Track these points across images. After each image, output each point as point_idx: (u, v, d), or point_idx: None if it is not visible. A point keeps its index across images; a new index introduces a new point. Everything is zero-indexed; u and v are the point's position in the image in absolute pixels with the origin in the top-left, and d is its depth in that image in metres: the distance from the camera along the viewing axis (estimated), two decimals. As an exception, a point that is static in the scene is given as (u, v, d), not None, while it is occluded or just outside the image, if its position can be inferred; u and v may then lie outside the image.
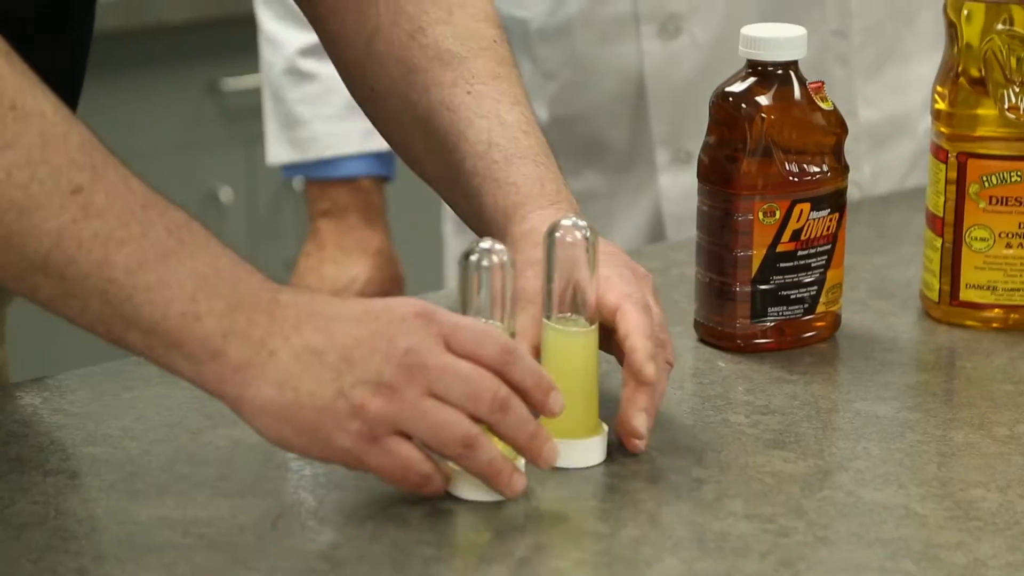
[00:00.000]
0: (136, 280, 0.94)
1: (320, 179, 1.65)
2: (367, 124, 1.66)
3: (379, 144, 1.63)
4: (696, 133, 1.23)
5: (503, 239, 1.08)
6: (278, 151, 1.67)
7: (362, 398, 0.95)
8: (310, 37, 1.63)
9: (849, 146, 1.24)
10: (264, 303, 0.96)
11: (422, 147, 1.19)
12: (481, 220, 1.14)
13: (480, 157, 1.13)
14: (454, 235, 1.74)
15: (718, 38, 1.52)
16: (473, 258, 1.00)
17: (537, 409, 1.00)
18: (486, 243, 1.01)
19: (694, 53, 1.54)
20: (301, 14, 1.65)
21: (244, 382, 0.95)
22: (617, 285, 1.07)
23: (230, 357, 0.95)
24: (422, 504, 1.02)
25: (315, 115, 1.63)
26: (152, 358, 0.97)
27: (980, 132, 1.26)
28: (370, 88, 1.21)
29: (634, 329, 1.05)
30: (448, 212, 1.75)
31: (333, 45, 1.23)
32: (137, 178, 0.97)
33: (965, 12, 1.25)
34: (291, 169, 1.68)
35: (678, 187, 1.58)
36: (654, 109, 1.56)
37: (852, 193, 1.25)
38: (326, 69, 1.63)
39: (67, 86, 1.11)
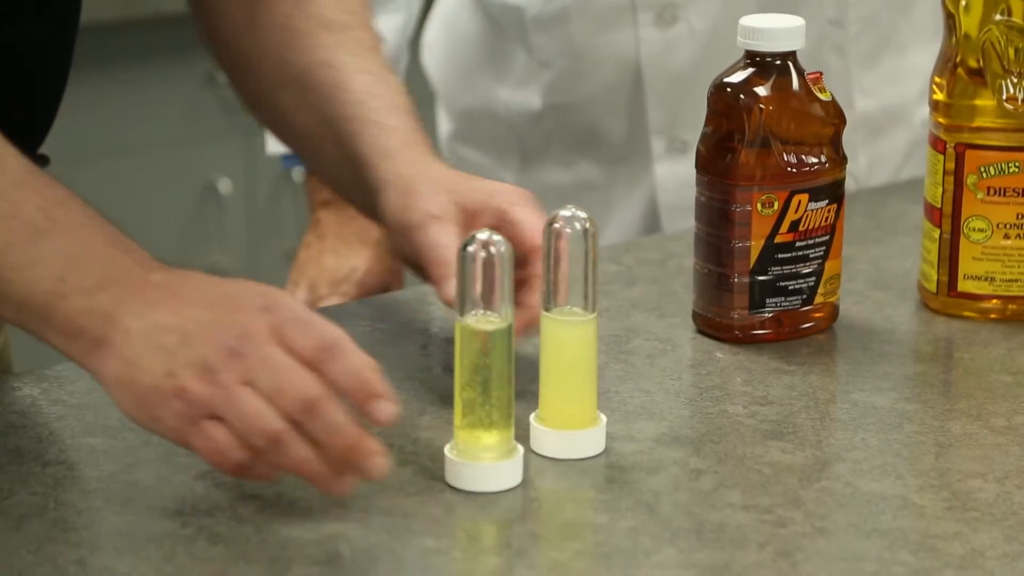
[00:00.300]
0: (4, 260, 0.98)
1: None
2: None
3: None
4: (692, 122, 1.23)
5: (376, 175, 1.11)
6: (275, 142, 1.67)
7: (186, 380, 0.96)
8: None
9: (845, 136, 1.24)
10: (133, 282, 0.99)
11: (293, 103, 1.21)
12: (351, 163, 1.16)
13: (359, 104, 1.17)
14: None
15: (715, 26, 1.52)
16: (470, 249, 1.00)
17: (362, 414, 0.97)
18: (483, 234, 1.01)
19: (691, 41, 1.54)
20: None
21: (101, 358, 0.98)
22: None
23: (91, 334, 0.98)
24: (421, 495, 1.02)
25: None
26: (27, 331, 1.01)
27: (978, 123, 1.26)
28: (246, 56, 1.24)
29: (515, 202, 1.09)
30: None
31: (209, 16, 1.26)
32: (17, 156, 1.00)
33: (963, 3, 1.25)
34: (290, 159, 1.67)
35: (674, 177, 1.58)
36: (651, 98, 1.56)
37: (848, 183, 1.25)
38: None
39: (53, 64, 1.12)
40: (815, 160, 1.22)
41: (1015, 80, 1.25)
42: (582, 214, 1.04)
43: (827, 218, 1.23)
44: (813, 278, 1.24)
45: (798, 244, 1.22)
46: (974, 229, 1.27)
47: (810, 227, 1.22)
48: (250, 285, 1.00)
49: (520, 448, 1.04)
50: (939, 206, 1.28)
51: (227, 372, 0.96)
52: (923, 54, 1.58)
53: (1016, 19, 1.24)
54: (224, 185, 2.52)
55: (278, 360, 0.96)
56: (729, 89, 1.21)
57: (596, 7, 1.54)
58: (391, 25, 1.63)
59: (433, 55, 1.72)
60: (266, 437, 0.96)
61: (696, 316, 1.26)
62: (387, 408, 0.97)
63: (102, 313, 0.98)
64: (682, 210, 1.49)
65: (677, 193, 1.56)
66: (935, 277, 1.29)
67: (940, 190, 1.28)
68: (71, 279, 0.98)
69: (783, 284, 1.23)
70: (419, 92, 2.31)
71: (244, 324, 0.97)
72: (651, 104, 1.56)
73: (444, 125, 1.73)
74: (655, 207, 1.61)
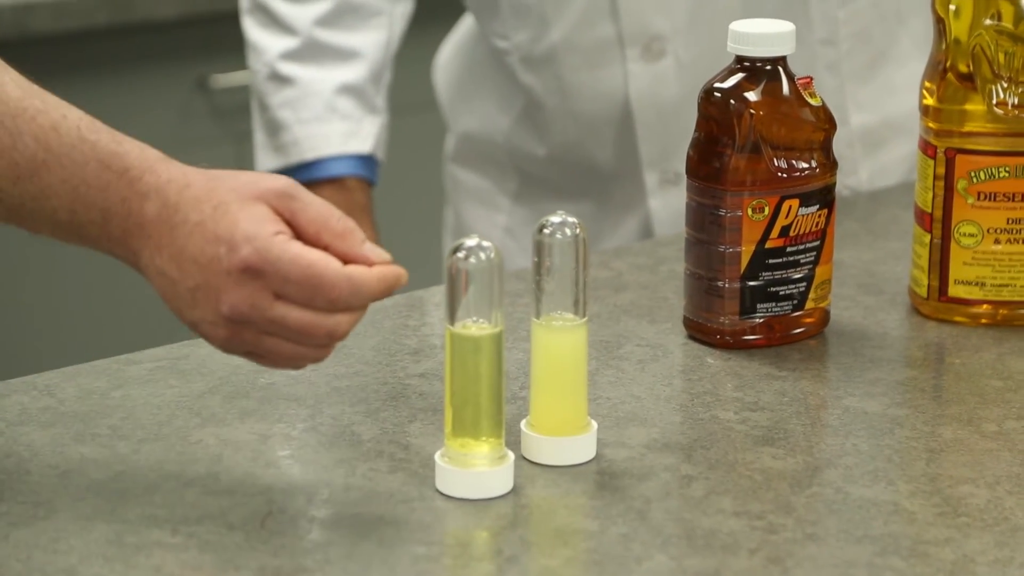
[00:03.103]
0: (20, 190, 1.01)
1: (305, 182, 1.65)
2: (347, 125, 1.66)
3: (360, 146, 1.63)
4: (684, 154, 1.23)
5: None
6: (265, 159, 1.67)
7: (212, 331, 1.01)
8: (291, 42, 1.63)
9: (843, 151, 1.24)
10: (132, 215, 1.01)
11: None
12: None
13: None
14: (454, 231, 1.74)
15: (702, 58, 1.52)
16: (460, 255, 1.00)
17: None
18: (472, 241, 1.01)
19: (679, 74, 1.54)
20: (284, 21, 1.66)
21: (137, 268, 1.03)
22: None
23: (122, 256, 1.03)
24: (411, 502, 1.02)
25: (296, 119, 1.63)
26: (71, 240, 1.03)
27: (968, 128, 1.26)
28: None
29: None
30: (449, 209, 1.75)
31: None
32: (15, 81, 1.02)
33: (953, 7, 1.25)
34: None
35: (668, 208, 1.58)
36: (641, 132, 1.56)
37: (847, 197, 1.25)
38: (305, 72, 1.63)
39: None
40: (805, 165, 1.22)
41: (1005, 85, 1.25)
42: (572, 219, 1.04)
43: (818, 223, 1.23)
44: (804, 283, 1.24)
45: (789, 249, 1.22)
46: (964, 234, 1.27)
47: (801, 232, 1.22)
48: (236, 230, 0.99)
49: (511, 455, 1.04)
50: (930, 211, 1.28)
51: (246, 332, 1.00)
52: (923, 65, 1.58)
53: (1006, 24, 1.24)
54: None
55: (290, 319, 0.99)
56: (719, 94, 1.21)
57: (583, 44, 1.54)
58: (373, 41, 1.64)
59: (443, 77, 1.73)
60: (327, 339, 1.00)
61: (687, 321, 1.26)
62: (403, 282, 1.01)
63: (119, 241, 1.02)
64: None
65: (672, 224, 1.56)
66: (926, 282, 1.29)
67: (931, 195, 1.28)
68: (81, 211, 1.01)
69: (774, 289, 1.23)
70: (411, 104, 2.32)
71: (233, 294, 0.99)
72: (642, 138, 1.56)
73: (447, 144, 1.73)
74: (650, 238, 1.60)
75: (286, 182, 1.01)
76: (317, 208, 1.01)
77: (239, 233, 0.99)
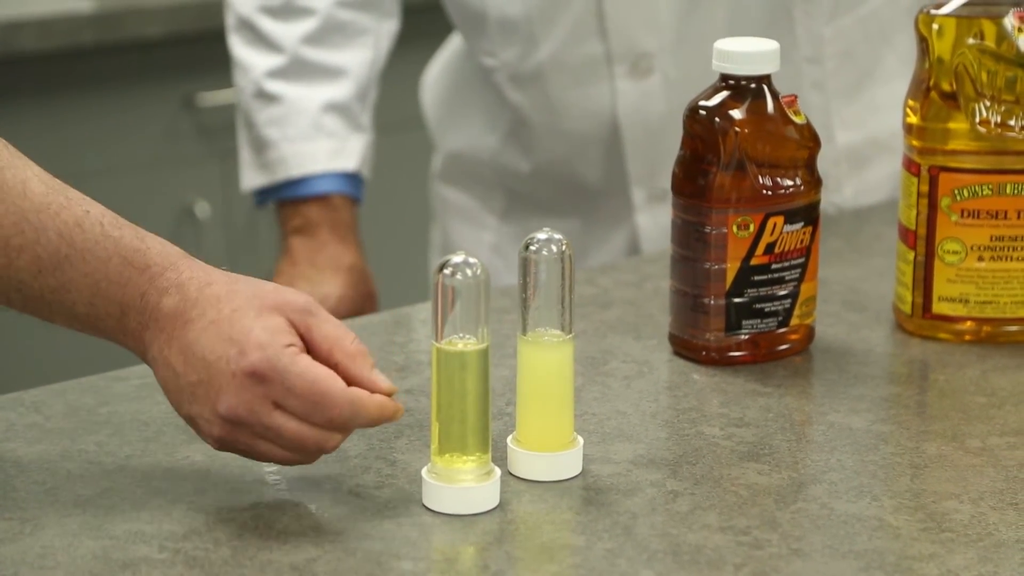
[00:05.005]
0: (41, 283, 1.02)
1: (291, 199, 1.65)
2: (333, 143, 1.66)
3: (346, 163, 1.64)
4: (671, 171, 1.24)
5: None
6: (250, 177, 1.67)
7: (207, 428, 1.02)
8: (277, 60, 1.63)
9: (828, 169, 1.25)
10: (148, 310, 1.03)
11: None
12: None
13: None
14: (440, 249, 1.74)
15: (690, 75, 1.52)
16: (447, 271, 1.01)
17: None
18: (458, 257, 1.01)
19: (667, 91, 1.54)
20: (270, 39, 1.66)
21: (145, 360, 1.05)
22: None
23: (133, 349, 1.05)
24: (398, 517, 1.02)
25: (282, 136, 1.63)
26: (84, 331, 1.05)
27: (952, 146, 1.27)
28: None
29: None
30: (436, 227, 1.75)
31: None
32: (39, 176, 1.03)
33: (936, 27, 1.26)
34: (264, 195, 1.68)
35: (656, 225, 1.58)
36: (629, 149, 1.57)
37: (832, 214, 1.25)
38: (291, 90, 1.63)
39: None
40: (790, 183, 1.22)
41: (988, 103, 1.26)
42: (558, 236, 1.05)
43: (803, 240, 1.23)
44: (789, 300, 1.24)
45: (774, 266, 1.23)
46: (948, 251, 1.28)
47: (786, 249, 1.23)
48: (250, 336, 1.00)
49: (497, 470, 1.04)
50: (913, 228, 1.29)
51: (240, 434, 1.02)
52: (908, 83, 1.58)
53: (988, 43, 1.25)
54: (201, 209, 2.52)
55: (286, 431, 1.01)
56: (704, 112, 1.22)
57: (571, 62, 1.54)
58: (360, 59, 1.64)
59: (430, 95, 1.73)
60: (317, 451, 1.03)
61: (673, 338, 1.26)
62: (399, 415, 1.02)
63: (133, 335, 1.03)
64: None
65: (660, 241, 1.56)
66: (910, 299, 1.30)
67: (914, 212, 1.28)
68: (100, 305, 1.03)
69: (759, 306, 1.23)
70: (398, 122, 2.32)
71: (233, 397, 1.00)
72: (629, 155, 1.57)
73: (434, 163, 1.73)
74: (636, 254, 1.61)
75: (306, 299, 1.03)
76: (333, 327, 1.02)
77: (252, 339, 1.00)
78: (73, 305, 1.03)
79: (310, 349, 1.02)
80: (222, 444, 1.03)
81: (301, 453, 1.03)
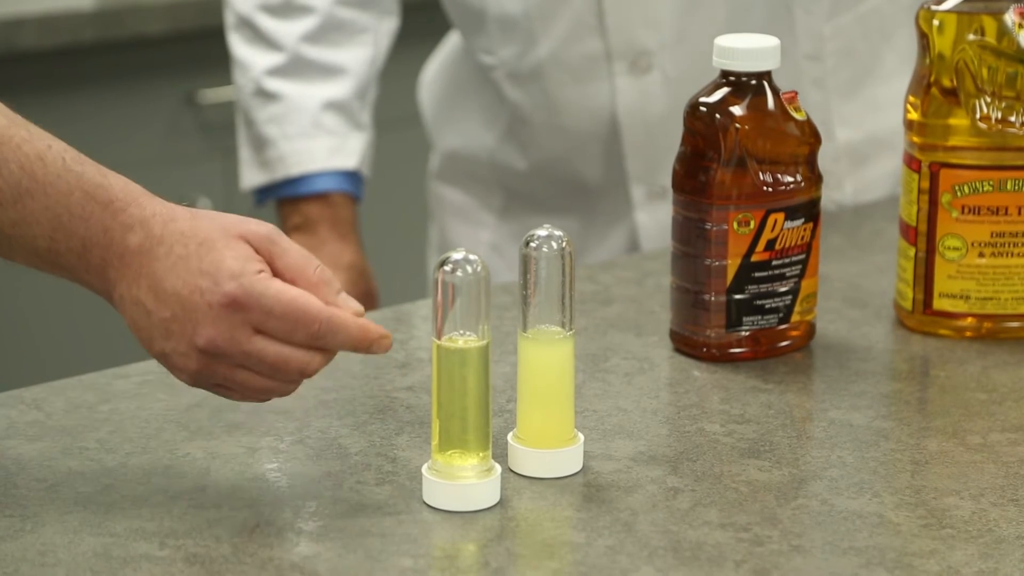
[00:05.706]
0: (1, 216, 1.01)
1: (291, 197, 1.65)
2: (333, 141, 1.66)
3: (346, 161, 1.64)
4: (671, 168, 1.24)
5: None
6: (250, 175, 1.67)
7: (183, 363, 1.02)
8: (277, 58, 1.63)
9: (829, 166, 1.25)
10: (114, 246, 1.02)
11: None
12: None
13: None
14: (438, 248, 1.74)
15: (689, 73, 1.52)
16: (447, 268, 1.01)
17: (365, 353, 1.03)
18: (459, 254, 1.01)
19: (666, 89, 1.54)
20: (269, 38, 1.66)
21: (114, 304, 1.04)
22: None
23: (96, 287, 1.04)
24: (399, 514, 1.02)
25: (281, 134, 1.63)
26: (45, 268, 1.04)
27: (952, 142, 1.27)
28: None
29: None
30: (434, 226, 1.75)
31: None
32: (0, 111, 1.02)
33: (937, 23, 1.26)
34: (263, 194, 1.68)
35: (655, 223, 1.58)
36: (628, 146, 1.57)
37: (832, 211, 1.25)
38: (291, 88, 1.63)
39: None
40: (791, 179, 1.22)
41: (988, 99, 1.26)
42: (559, 233, 1.05)
43: (803, 237, 1.23)
44: (790, 296, 1.24)
45: (774, 263, 1.23)
46: (949, 248, 1.28)
47: (786, 246, 1.23)
48: (222, 266, 1.00)
49: (498, 467, 1.04)
50: (914, 225, 1.29)
51: (218, 366, 1.01)
52: (909, 80, 1.58)
53: (989, 39, 1.25)
54: (203, 205, 2.52)
55: (268, 354, 1.00)
56: (704, 108, 1.22)
57: (571, 60, 1.54)
58: (359, 57, 1.64)
59: (428, 94, 1.73)
60: (299, 376, 1.02)
61: (673, 335, 1.26)
62: (385, 344, 1.02)
63: (96, 272, 1.02)
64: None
65: (659, 238, 1.56)
66: (911, 295, 1.30)
67: (915, 209, 1.28)
68: (61, 240, 1.02)
69: (760, 303, 1.23)
70: (396, 120, 2.32)
71: (212, 328, 1.00)
72: (629, 152, 1.57)
73: (431, 162, 1.73)
74: (636, 251, 1.61)
75: (269, 228, 1.03)
76: (295, 255, 1.02)
77: (224, 269, 1.00)
78: (34, 239, 1.02)
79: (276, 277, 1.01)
80: (198, 379, 1.02)
81: (281, 379, 1.02)
